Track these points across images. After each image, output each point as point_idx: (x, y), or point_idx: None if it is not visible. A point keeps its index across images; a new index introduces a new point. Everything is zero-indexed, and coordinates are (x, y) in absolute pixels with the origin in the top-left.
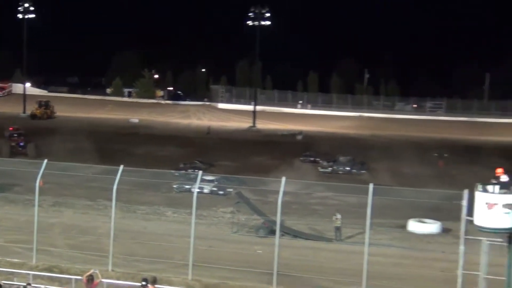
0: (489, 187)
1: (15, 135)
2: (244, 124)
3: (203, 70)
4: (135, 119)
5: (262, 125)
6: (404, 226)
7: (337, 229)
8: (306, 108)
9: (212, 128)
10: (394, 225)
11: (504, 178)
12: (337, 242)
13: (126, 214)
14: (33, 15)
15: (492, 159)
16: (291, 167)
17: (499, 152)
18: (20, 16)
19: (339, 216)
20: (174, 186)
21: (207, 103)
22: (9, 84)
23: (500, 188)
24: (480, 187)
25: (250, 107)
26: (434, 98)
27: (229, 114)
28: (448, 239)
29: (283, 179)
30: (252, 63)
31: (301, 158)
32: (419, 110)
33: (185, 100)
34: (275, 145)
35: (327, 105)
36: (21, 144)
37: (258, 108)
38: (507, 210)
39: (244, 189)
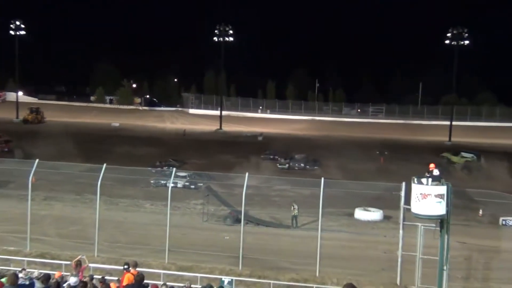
0: (423, 180)
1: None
2: (212, 127)
3: (175, 80)
4: (116, 123)
5: (228, 127)
6: (351, 214)
7: (294, 217)
8: (265, 113)
9: (186, 130)
10: (342, 213)
11: (436, 172)
12: (294, 229)
13: (109, 206)
14: (23, 32)
15: (425, 156)
16: (253, 164)
17: (431, 150)
18: (12, 32)
19: (296, 206)
20: (151, 181)
21: (179, 108)
22: (3, 92)
23: (433, 181)
24: (415, 179)
25: (217, 112)
26: (375, 103)
27: (199, 119)
28: (389, 225)
29: (247, 174)
30: (218, 73)
31: (262, 156)
32: (363, 114)
33: (160, 106)
34: (239, 145)
35: (284, 110)
36: (6, 150)
37: (224, 113)
38: (439, 200)
39: (213, 184)
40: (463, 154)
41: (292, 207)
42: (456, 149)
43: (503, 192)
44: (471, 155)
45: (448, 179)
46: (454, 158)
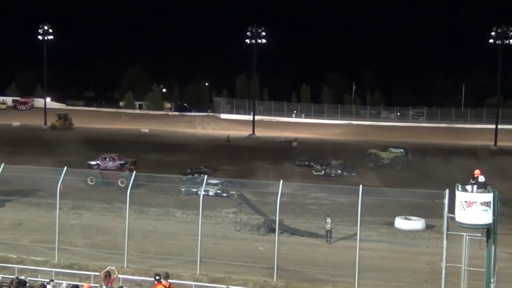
0: (468, 187)
1: None
2: (244, 132)
3: (206, 84)
4: (145, 129)
5: (261, 133)
6: (391, 223)
7: (328, 232)
8: (300, 117)
9: (217, 136)
10: (382, 222)
11: (482, 178)
12: (328, 244)
13: (139, 215)
14: (51, 37)
15: (469, 162)
16: (287, 171)
17: (476, 155)
18: (40, 37)
19: (329, 220)
20: (182, 189)
21: (211, 113)
22: (31, 98)
23: (478, 188)
24: (459, 187)
25: (249, 117)
26: (416, 106)
27: (231, 124)
28: (432, 235)
29: (281, 182)
30: (251, 77)
31: (297, 163)
32: (402, 117)
33: (190, 111)
34: (273, 151)
35: (319, 114)
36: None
37: (257, 117)
38: (485, 208)
39: (246, 192)
40: (392, 150)
41: (325, 221)
42: (384, 146)
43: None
44: (400, 150)
45: (379, 174)
46: (383, 154)
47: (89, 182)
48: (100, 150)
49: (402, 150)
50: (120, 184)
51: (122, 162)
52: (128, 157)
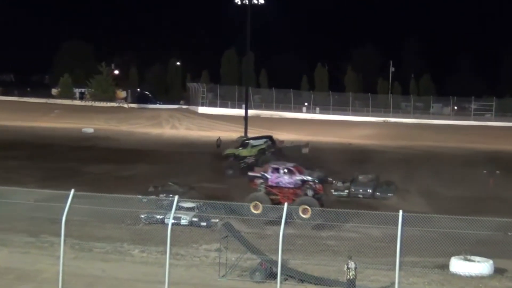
0: None
1: None
2: (232, 133)
3: (178, 63)
4: (89, 129)
5: (257, 134)
6: (445, 266)
7: (351, 283)
8: (313, 112)
9: (192, 139)
10: (432, 264)
11: None
12: None
13: (79, 254)
14: None
15: None
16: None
17: None
18: None
19: (352, 265)
20: (142, 216)
21: (184, 106)
22: None
23: None
24: None
25: (240, 111)
26: (481, 97)
27: (213, 121)
28: (504, 283)
29: (286, 205)
30: (242, 54)
31: None
32: (462, 113)
33: (155, 103)
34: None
35: (341, 108)
36: None
37: (251, 112)
38: None
39: (235, 220)
40: (252, 142)
41: (346, 266)
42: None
43: None
44: (263, 140)
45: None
46: (243, 152)
47: None
48: (21, 159)
49: (265, 140)
50: None
51: (304, 178)
52: (64, 168)
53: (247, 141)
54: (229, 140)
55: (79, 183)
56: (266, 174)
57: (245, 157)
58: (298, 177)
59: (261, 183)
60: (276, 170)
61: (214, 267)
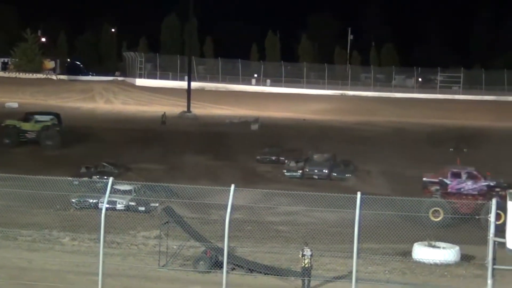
0: None
1: None
2: (174, 108)
3: (113, 30)
4: (13, 103)
5: (201, 109)
6: (408, 253)
7: (306, 270)
8: (263, 84)
9: (129, 114)
10: (393, 251)
11: None
12: None
13: (2, 243)
14: None
15: None
16: (243, 170)
17: None
18: None
19: (308, 252)
20: (73, 200)
21: (120, 78)
22: None
23: None
24: None
25: (182, 84)
26: (447, 69)
27: (152, 94)
28: (471, 271)
29: (232, 187)
30: (184, 19)
31: (258, 157)
32: (427, 86)
33: (87, 74)
34: (220, 138)
35: (294, 80)
36: None
37: (195, 85)
38: None
39: (176, 204)
40: (37, 117)
41: (301, 253)
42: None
43: None
44: (49, 117)
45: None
46: (26, 125)
47: None
48: None
49: (52, 117)
50: None
51: (489, 184)
52: None
53: (31, 115)
54: (171, 115)
55: (2, 164)
56: (445, 180)
57: (26, 131)
58: (483, 182)
59: (437, 190)
60: (457, 175)
61: (154, 256)
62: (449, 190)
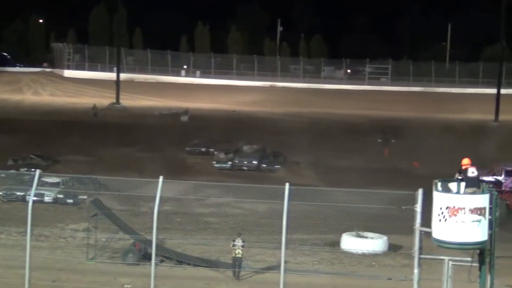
0: (452, 185)
1: None
2: (103, 100)
3: (41, 21)
4: None
5: (130, 100)
6: (336, 243)
7: (237, 260)
8: (193, 75)
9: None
10: (322, 242)
11: (472, 172)
12: (237, 279)
13: None
14: None
15: (458, 146)
16: (172, 161)
17: (467, 136)
18: None
19: (239, 242)
20: (0, 192)
21: (48, 69)
22: None
23: (467, 187)
24: (439, 185)
25: (111, 75)
26: (376, 60)
27: (81, 86)
28: (398, 260)
29: (161, 179)
30: (113, 10)
31: (188, 149)
32: (355, 77)
33: (14, 66)
34: (150, 129)
35: (224, 71)
36: None
37: (124, 76)
38: (477, 217)
39: (105, 196)
40: None
41: (232, 244)
42: None
43: None
44: None
45: None
46: None
47: None
48: None
49: None
50: None
51: None
52: None
53: None
54: (100, 107)
55: None
56: (499, 178)
57: None
58: None
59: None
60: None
61: (82, 249)
62: (503, 188)
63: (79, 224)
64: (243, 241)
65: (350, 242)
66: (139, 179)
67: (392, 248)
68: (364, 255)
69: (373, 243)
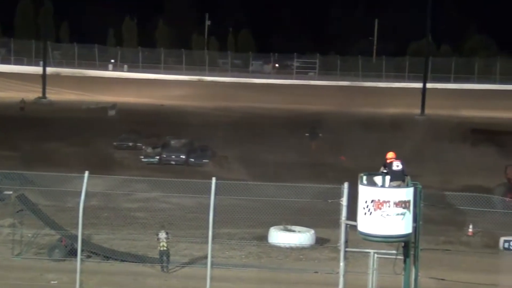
0: (377, 179)
1: None
2: (29, 94)
3: None
4: None
5: (57, 95)
6: (263, 237)
7: (164, 254)
8: (121, 69)
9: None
10: (250, 236)
11: (397, 165)
12: (165, 273)
13: None
14: None
15: (384, 140)
16: (100, 156)
17: (394, 129)
18: None
19: (163, 235)
20: None
21: None
22: None
23: (392, 180)
24: (364, 178)
25: (38, 69)
26: (304, 54)
27: (6, 80)
28: (325, 254)
29: (86, 174)
30: (39, 4)
31: (116, 143)
32: (283, 71)
33: None
34: (77, 124)
35: (152, 65)
36: None
37: (50, 70)
38: (401, 210)
39: (30, 192)
40: None
41: (157, 237)
42: None
43: None
44: None
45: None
46: None
47: None
48: None
49: None
50: None
51: None
52: None
53: None
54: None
55: None
56: None
57: None
58: None
59: None
60: None
61: (7, 245)
62: None
63: (4, 220)
64: (167, 233)
65: (277, 236)
66: (66, 174)
67: (319, 241)
68: (291, 249)
69: (300, 237)
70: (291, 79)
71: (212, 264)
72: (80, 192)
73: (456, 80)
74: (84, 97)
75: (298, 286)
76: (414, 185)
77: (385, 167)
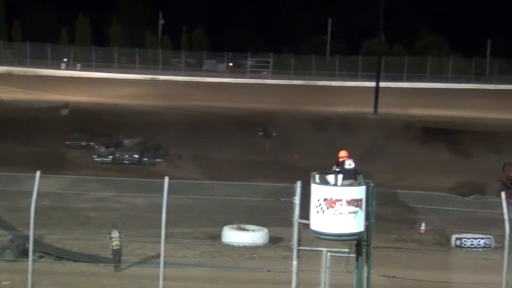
0: (330, 177)
1: None
2: None
3: None
4: None
5: (8, 94)
6: (217, 236)
7: (116, 253)
8: (73, 68)
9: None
10: (204, 235)
11: (349, 164)
12: (118, 272)
13: None
14: None
15: (337, 139)
16: (52, 155)
17: (346, 127)
18: None
19: (116, 234)
20: None
21: None
22: None
23: (344, 179)
24: (317, 177)
25: None
26: (257, 53)
27: None
28: (278, 252)
29: (38, 173)
30: None
31: (68, 143)
32: (237, 70)
33: None
34: (28, 124)
35: (105, 64)
36: None
37: (2, 69)
38: (354, 209)
39: None
40: None
41: (109, 237)
42: None
43: None
44: None
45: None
46: None
47: None
48: None
49: None
50: None
51: None
52: None
53: None
54: None
55: None
56: None
57: None
58: None
59: None
60: None
61: None
62: None
63: None
64: (119, 232)
65: (231, 235)
66: (18, 174)
67: (273, 240)
68: (245, 248)
69: (253, 236)
70: (245, 78)
71: (165, 263)
72: (32, 191)
73: (408, 79)
74: (36, 96)
75: (251, 284)
76: (367, 184)
77: (337, 165)
